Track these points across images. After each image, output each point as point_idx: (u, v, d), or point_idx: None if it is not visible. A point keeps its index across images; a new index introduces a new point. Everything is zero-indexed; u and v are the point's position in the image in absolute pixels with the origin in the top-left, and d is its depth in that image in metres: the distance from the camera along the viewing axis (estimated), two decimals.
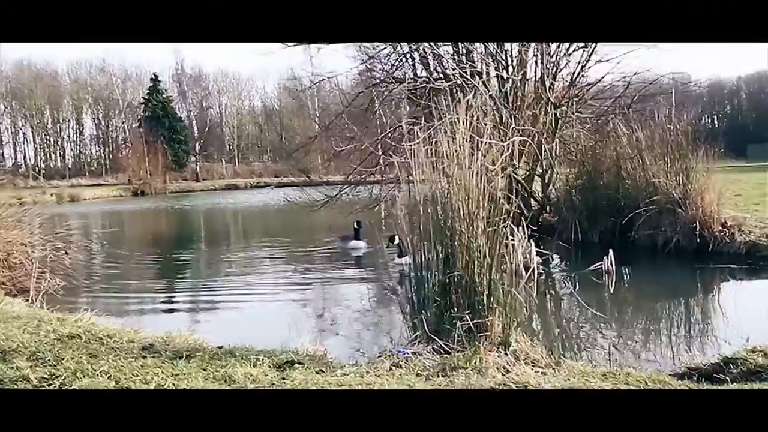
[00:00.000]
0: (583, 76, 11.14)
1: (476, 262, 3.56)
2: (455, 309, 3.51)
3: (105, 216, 23.36)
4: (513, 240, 7.20)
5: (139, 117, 50.18)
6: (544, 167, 10.82)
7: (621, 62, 10.48)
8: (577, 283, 7.16)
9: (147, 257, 10.98)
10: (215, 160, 53.61)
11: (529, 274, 6.85)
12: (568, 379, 2.94)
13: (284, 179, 29.88)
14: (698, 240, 7.88)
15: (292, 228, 14.54)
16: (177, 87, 53.47)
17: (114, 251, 11.83)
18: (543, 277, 7.28)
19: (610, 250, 7.14)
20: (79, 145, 55.06)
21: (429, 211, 3.78)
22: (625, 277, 7.10)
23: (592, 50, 10.61)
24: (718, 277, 7.07)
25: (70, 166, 52.03)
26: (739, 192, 13.09)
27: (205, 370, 3.11)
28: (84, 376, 2.95)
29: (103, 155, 54.59)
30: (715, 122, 51.55)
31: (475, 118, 3.88)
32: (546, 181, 10.92)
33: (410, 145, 3.94)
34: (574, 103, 11.11)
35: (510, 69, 11.04)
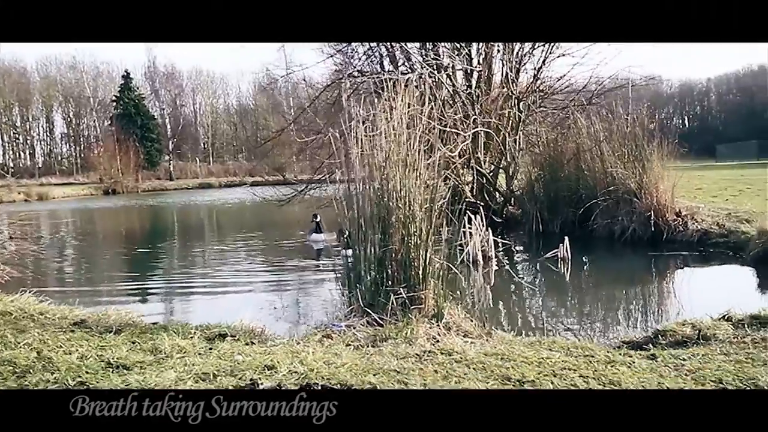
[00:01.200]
0: (545, 70, 11.31)
1: (412, 237, 3.58)
2: (390, 283, 3.53)
3: (73, 212, 22.93)
4: (471, 228, 7.31)
5: (110, 115, 49.39)
6: (508, 160, 10.94)
7: (585, 57, 10.69)
8: (537, 270, 7.24)
9: (111, 250, 10.83)
10: (189, 159, 53.04)
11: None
12: (495, 347, 2.97)
13: (259, 178, 29.85)
14: (653, 229, 8.03)
15: (263, 223, 14.44)
16: (150, 85, 52.80)
17: (77, 244, 11.65)
18: (505, 264, 7.35)
19: (566, 238, 7.27)
20: (50, 144, 54.04)
21: (368, 187, 3.79)
22: (584, 266, 7.20)
23: (554, 44, 10.75)
24: (670, 263, 7.21)
25: (39, 165, 51.01)
26: (700, 186, 13.45)
27: (133, 342, 3.09)
28: (6, 348, 2.90)
29: (73, 154, 53.64)
30: (686, 122, 52.63)
31: (414, 97, 3.90)
32: (510, 174, 11.04)
33: (350, 126, 3.94)
34: (537, 97, 11.24)
35: (475, 62, 11.15)
